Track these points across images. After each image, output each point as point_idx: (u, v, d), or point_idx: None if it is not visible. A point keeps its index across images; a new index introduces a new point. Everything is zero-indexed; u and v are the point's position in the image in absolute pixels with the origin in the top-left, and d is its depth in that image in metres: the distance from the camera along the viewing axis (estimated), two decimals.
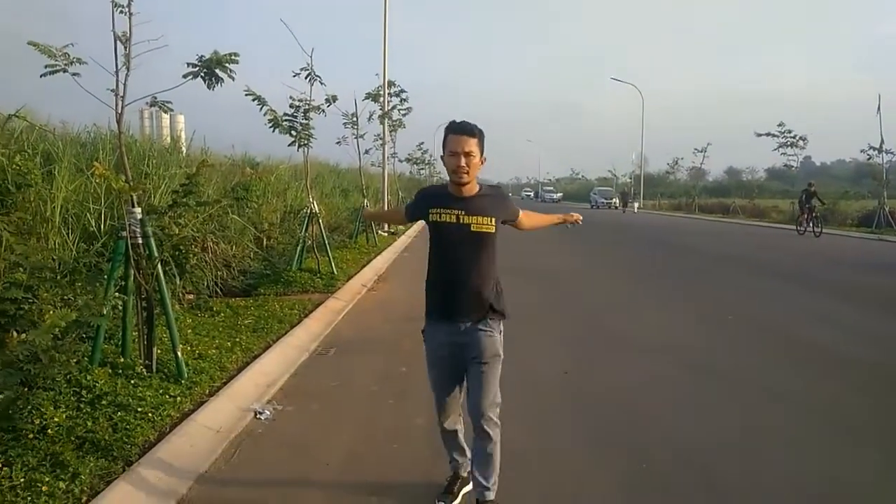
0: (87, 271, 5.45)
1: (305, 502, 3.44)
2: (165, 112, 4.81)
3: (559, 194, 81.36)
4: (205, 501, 3.49)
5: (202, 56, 4.64)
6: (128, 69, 4.40)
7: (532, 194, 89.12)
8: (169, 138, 14.01)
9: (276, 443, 4.25)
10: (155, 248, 4.78)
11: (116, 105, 4.49)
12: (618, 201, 51.94)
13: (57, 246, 6.31)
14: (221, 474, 3.76)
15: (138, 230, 4.64)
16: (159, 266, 4.75)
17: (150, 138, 11.83)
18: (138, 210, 4.67)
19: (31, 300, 4.42)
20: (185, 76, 4.66)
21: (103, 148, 8.10)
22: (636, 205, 49.29)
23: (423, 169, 42.91)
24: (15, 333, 3.89)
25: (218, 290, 8.74)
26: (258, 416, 4.66)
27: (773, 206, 36.62)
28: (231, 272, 9.60)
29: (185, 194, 4.87)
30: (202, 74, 4.67)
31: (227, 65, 4.66)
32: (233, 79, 4.74)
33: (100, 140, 8.40)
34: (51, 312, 4.28)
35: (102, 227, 6.86)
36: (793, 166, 32.51)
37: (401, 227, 24.35)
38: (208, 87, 4.72)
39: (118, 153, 4.80)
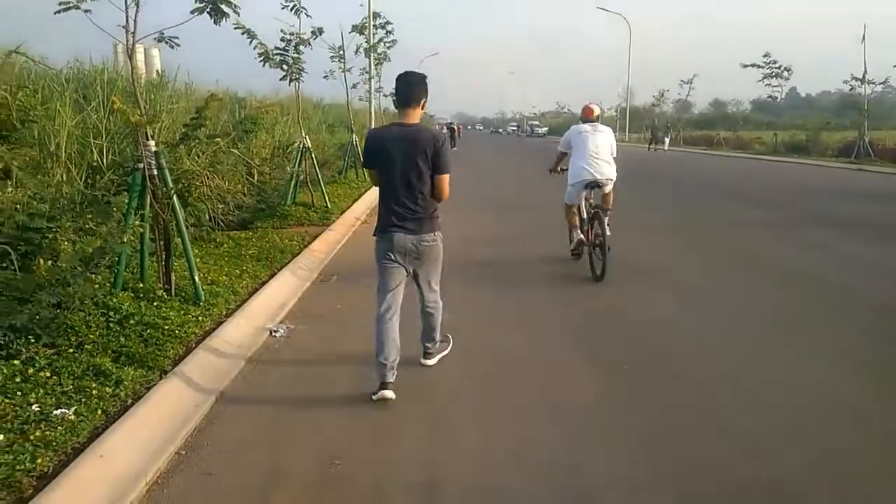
0: (104, 204, 5.68)
1: (325, 405, 3.83)
2: (172, 48, 4.97)
3: (545, 129, 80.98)
4: (239, 397, 3.89)
5: None
6: (137, 5, 4.54)
7: (517, 128, 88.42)
8: (144, 73, 13.87)
9: (291, 356, 4.64)
10: (169, 180, 5.02)
11: (127, 40, 4.64)
12: (650, 137, 40.83)
13: (64, 181, 6.51)
14: (246, 382, 4.15)
15: (153, 162, 4.87)
16: (175, 196, 5.00)
17: (139, 74, 11.73)
18: (153, 143, 4.89)
19: (54, 229, 4.68)
20: (192, 11, 4.81)
21: (99, 84, 8.17)
22: (667, 140, 39.81)
23: None
24: (41, 261, 4.19)
25: (216, 224, 9.00)
26: (273, 334, 5.03)
27: (756, 137, 36.92)
28: (227, 207, 9.84)
29: (196, 128, 5.08)
30: (208, 10, 4.81)
31: (231, 0, 4.81)
32: (237, 14, 4.89)
33: (95, 75, 8.44)
34: (65, 243, 4.57)
35: (105, 161, 7.04)
36: (777, 97, 32.67)
37: None
38: (214, 22, 4.87)
39: (132, 87, 4.96)
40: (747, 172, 21.50)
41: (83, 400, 3.44)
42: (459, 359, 4.47)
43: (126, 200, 5.04)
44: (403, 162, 3.81)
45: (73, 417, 3.24)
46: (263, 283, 6.22)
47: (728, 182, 18.45)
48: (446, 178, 3.91)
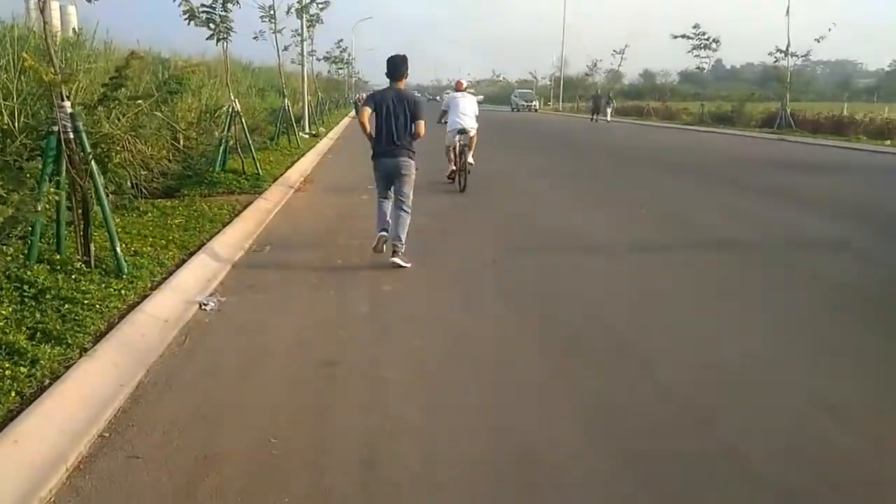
0: (16, 170, 5.29)
1: (258, 381, 3.70)
2: (90, 1, 4.61)
3: (480, 96, 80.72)
4: (167, 374, 3.72)
5: None
6: None
7: None
8: (59, 31, 12.98)
9: (224, 330, 4.46)
10: (87, 144, 4.70)
11: None
12: (593, 107, 39.26)
13: None
14: (175, 359, 3.96)
15: (69, 125, 4.54)
16: (93, 162, 4.68)
17: (54, 30, 10.93)
18: (68, 104, 4.55)
19: None
20: None
21: (8, 41, 7.57)
22: (609, 110, 38.28)
23: (341, 68, 41.52)
24: None
25: (139, 192, 8.57)
26: (203, 307, 4.83)
27: (683, 108, 37.89)
28: (151, 174, 9.38)
29: (115, 88, 4.75)
30: None
31: None
32: None
33: (4, 32, 7.80)
34: None
35: (17, 125, 6.55)
36: (704, 69, 33.51)
37: (322, 129, 23.92)
38: None
39: (45, 44, 4.58)
40: (685, 145, 21.82)
41: None
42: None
43: (40, 166, 4.70)
44: (395, 111, 5.94)
45: None
46: (192, 254, 5.96)
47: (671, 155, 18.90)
48: (421, 122, 6.06)
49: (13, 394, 3.15)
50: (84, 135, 4.78)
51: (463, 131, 10.45)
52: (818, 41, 25.98)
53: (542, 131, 29.84)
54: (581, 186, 11.78)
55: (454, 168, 10.82)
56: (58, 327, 3.89)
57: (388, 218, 6.17)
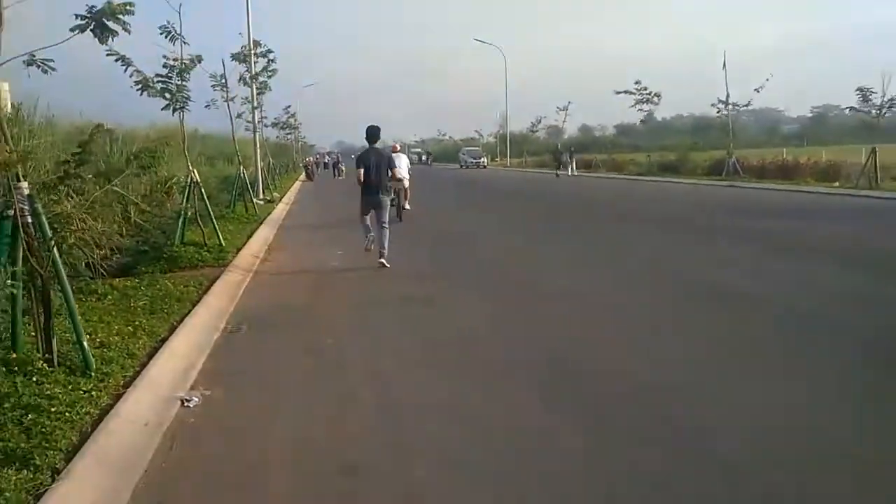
0: None
1: (264, 496, 3.17)
2: (45, 72, 4.16)
3: (429, 156, 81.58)
4: (156, 497, 3.15)
5: (93, 7, 4.02)
6: (0, 22, 3.74)
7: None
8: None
9: (213, 432, 3.91)
10: (48, 228, 4.19)
11: None
12: (553, 161, 39.50)
13: None
14: (164, 474, 3.39)
15: (27, 207, 4.03)
16: (55, 248, 4.17)
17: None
18: (25, 184, 4.05)
19: None
20: (72, 29, 4.03)
21: None
22: (572, 165, 37.70)
23: (289, 133, 41.38)
24: None
25: (96, 272, 7.92)
26: (185, 403, 4.27)
27: (630, 159, 38.86)
28: (103, 251, 8.74)
29: (79, 164, 4.28)
30: (91, 27, 4.06)
31: (120, 16, 4.08)
32: (128, 31, 4.16)
33: None
34: None
35: None
36: (646, 122, 34.64)
37: (276, 194, 23.46)
38: (100, 41, 4.12)
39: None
40: (660, 196, 21.36)
41: None
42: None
43: None
44: (377, 166, 9.14)
45: None
46: (163, 341, 5.39)
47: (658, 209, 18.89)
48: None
49: None
50: (43, 217, 4.27)
51: (399, 179, 13.09)
52: (757, 91, 27.06)
53: (505, 189, 28.33)
54: (581, 247, 11.36)
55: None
56: (22, 445, 3.30)
57: (370, 229, 9.54)
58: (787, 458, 3.34)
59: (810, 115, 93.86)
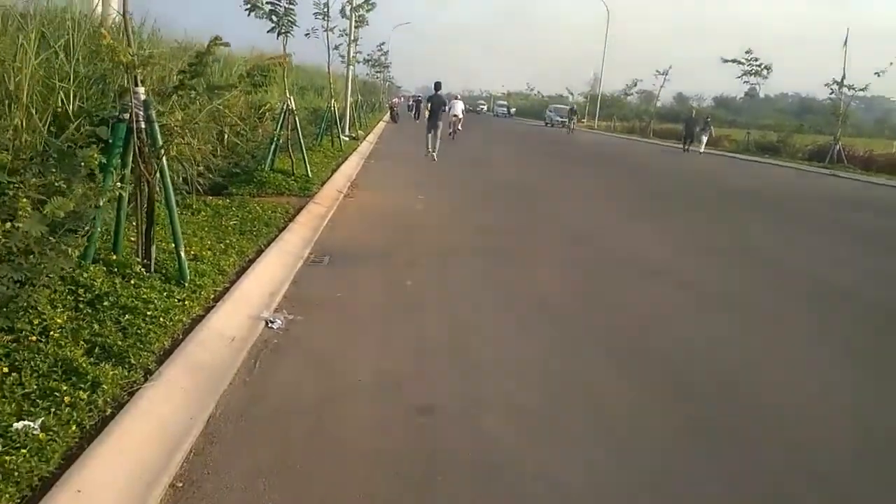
0: (70, 157, 4.86)
1: (344, 427, 3.19)
2: None
3: (513, 109, 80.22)
4: (240, 407, 3.24)
5: None
6: None
7: (485, 108, 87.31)
8: (112, 15, 12.66)
9: (294, 355, 3.98)
10: (159, 135, 4.27)
11: None
12: (685, 132, 31.44)
13: (23, 127, 5.62)
14: (247, 388, 3.49)
15: (142, 113, 4.11)
16: (164, 157, 4.25)
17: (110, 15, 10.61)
18: (142, 90, 4.12)
19: (16, 185, 3.89)
20: None
21: (66, 22, 7.20)
22: (705, 138, 30.15)
23: (379, 72, 41.28)
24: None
25: (191, 188, 8.17)
26: (269, 325, 4.36)
27: (726, 135, 36.98)
28: (198, 167, 8.98)
29: (193, 76, 4.31)
30: None
31: None
32: None
33: (58, 13, 7.43)
34: (23, 201, 3.80)
35: (72, 109, 6.16)
36: (751, 95, 32.72)
37: (361, 132, 23.57)
38: None
39: (123, 24, 4.17)
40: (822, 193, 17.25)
41: (52, 408, 2.74)
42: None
43: (95, 154, 4.25)
44: (438, 105, 16.96)
45: (40, 434, 2.55)
46: (251, 262, 5.52)
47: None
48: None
49: (73, 426, 2.69)
50: (156, 125, 4.35)
51: (456, 115, 22.60)
52: (878, 75, 24.82)
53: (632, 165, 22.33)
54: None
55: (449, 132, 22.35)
56: (119, 343, 3.43)
57: (429, 142, 16.42)
58: None
59: None
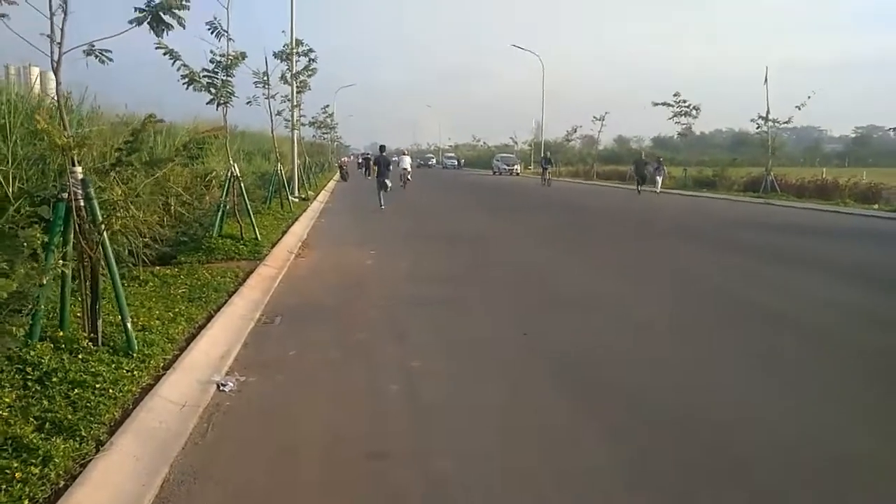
0: (11, 238, 4.90)
1: (298, 485, 3.28)
2: (103, 62, 4.36)
3: (462, 160, 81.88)
4: (192, 469, 3.29)
5: (150, 1, 4.22)
6: (65, 12, 3.94)
7: (434, 161, 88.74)
8: (52, 97, 12.73)
9: (247, 415, 4.05)
10: (98, 212, 4.38)
11: (52, 52, 4.02)
12: (632, 173, 31.76)
13: None
14: (200, 451, 3.55)
15: (80, 192, 4.23)
16: (105, 232, 4.36)
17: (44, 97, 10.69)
18: (80, 169, 4.25)
19: None
20: (130, 22, 4.23)
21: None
22: (659, 179, 29.71)
23: (326, 133, 41.80)
24: None
25: (138, 259, 8.18)
26: (221, 388, 4.43)
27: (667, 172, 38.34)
28: (144, 239, 9.01)
29: (130, 152, 4.46)
30: (148, 20, 4.25)
31: (176, 10, 4.27)
32: (183, 26, 4.35)
33: None
34: None
35: (11, 190, 6.20)
36: (686, 135, 34.20)
37: (310, 192, 23.78)
38: (156, 34, 4.31)
39: (57, 106, 4.31)
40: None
41: (3, 486, 2.78)
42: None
43: (37, 234, 4.33)
44: (385, 164, 20.00)
45: None
46: (201, 328, 5.58)
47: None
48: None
49: (26, 502, 2.73)
50: (95, 202, 4.47)
51: (405, 169, 29.30)
52: (799, 108, 26.36)
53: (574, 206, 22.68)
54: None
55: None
56: (69, 416, 3.48)
57: (381, 198, 19.08)
58: None
59: (853, 135, 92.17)
